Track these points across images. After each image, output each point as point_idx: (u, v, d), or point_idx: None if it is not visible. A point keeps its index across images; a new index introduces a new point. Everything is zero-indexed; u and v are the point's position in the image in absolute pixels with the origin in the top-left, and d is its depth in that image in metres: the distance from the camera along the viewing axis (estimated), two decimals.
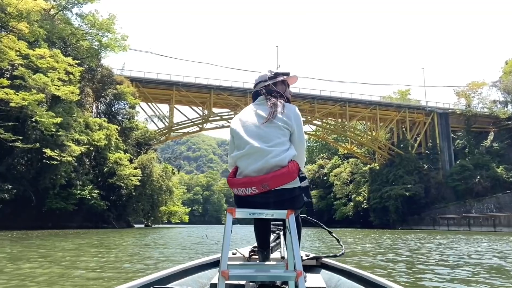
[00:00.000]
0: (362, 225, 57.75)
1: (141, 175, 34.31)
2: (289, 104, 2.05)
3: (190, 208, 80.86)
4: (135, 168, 34.39)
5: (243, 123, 1.98)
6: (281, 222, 2.82)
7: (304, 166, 2.12)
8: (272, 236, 2.82)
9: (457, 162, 53.21)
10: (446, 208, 48.91)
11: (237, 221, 1.97)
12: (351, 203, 61.91)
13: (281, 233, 2.87)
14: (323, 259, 2.65)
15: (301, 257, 1.65)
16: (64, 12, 33.84)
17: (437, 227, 46.31)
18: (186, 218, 63.52)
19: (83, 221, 30.25)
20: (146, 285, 1.82)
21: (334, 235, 2.85)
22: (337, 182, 65.70)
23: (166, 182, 42.05)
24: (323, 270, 2.59)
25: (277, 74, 2.17)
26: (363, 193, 59.79)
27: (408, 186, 50.82)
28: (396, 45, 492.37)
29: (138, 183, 33.90)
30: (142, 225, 47.14)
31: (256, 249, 2.49)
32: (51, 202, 26.67)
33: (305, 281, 1.97)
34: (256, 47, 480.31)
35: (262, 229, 2.29)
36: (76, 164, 27.94)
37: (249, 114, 2.01)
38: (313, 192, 73.18)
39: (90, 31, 33.58)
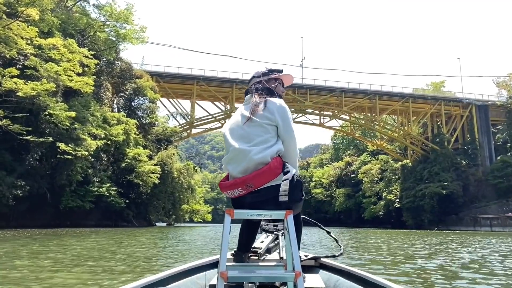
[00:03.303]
0: (393, 225, 54.85)
1: (160, 172, 32.93)
2: (273, 99, 1.94)
3: (213, 207, 79.63)
4: (155, 165, 33.09)
5: (230, 126, 1.94)
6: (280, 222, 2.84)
7: (299, 160, 2.09)
8: (271, 237, 2.77)
9: (498, 157, 49.82)
10: (487, 207, 45.40)
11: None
12: (382, 202, 58.71)
13: (280, 233, 2.78)
14: (322, 259, 2.58)
15: (300, 257, 1.63)
16: (82, 4, 32.95)
17: (478, 228, 42.86)
18: (209, 216, 62.09)
19: (102, 219, 29.35)
20: (143, 287, 1.77)
21: (332, 235, 2.70)
22: (366, 180, 62.57)
23: (187, 179, 40.74)
24: (321, 271, 2.53)
25: (271, 71, 2.14)
26: (395, 191, 56.57)
27: (445, 183, 47.35)
28: (429, 34, 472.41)
29: (157, 181, 32.58)
30: (164, 224, 46.02)
31: (253, 249, 2.37)
32: (67, 200, 25.57)
33: (304, 281, 1.92)
34: (280, 38, 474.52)
35: (248, 230, 2.21)
36: (93, 160, 26.86)
37: (236, 115, 1.97)
38: (340, 191, 70.40)
39: (107, 22, 32.41)
